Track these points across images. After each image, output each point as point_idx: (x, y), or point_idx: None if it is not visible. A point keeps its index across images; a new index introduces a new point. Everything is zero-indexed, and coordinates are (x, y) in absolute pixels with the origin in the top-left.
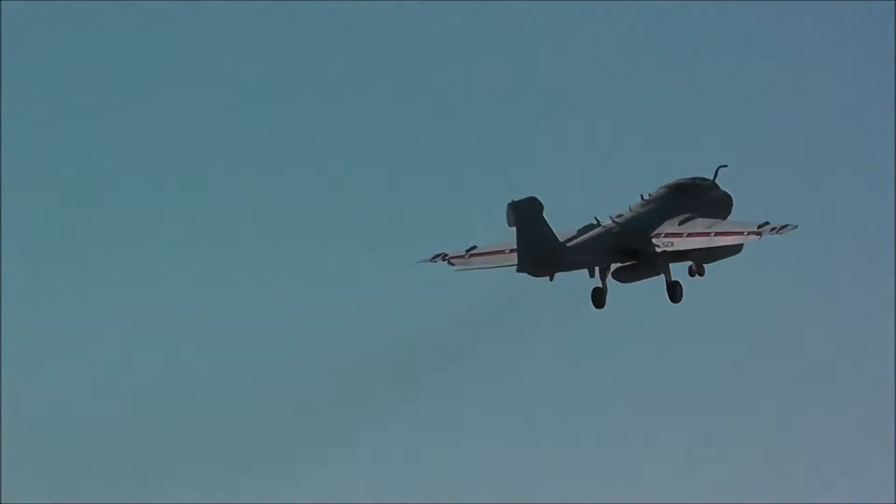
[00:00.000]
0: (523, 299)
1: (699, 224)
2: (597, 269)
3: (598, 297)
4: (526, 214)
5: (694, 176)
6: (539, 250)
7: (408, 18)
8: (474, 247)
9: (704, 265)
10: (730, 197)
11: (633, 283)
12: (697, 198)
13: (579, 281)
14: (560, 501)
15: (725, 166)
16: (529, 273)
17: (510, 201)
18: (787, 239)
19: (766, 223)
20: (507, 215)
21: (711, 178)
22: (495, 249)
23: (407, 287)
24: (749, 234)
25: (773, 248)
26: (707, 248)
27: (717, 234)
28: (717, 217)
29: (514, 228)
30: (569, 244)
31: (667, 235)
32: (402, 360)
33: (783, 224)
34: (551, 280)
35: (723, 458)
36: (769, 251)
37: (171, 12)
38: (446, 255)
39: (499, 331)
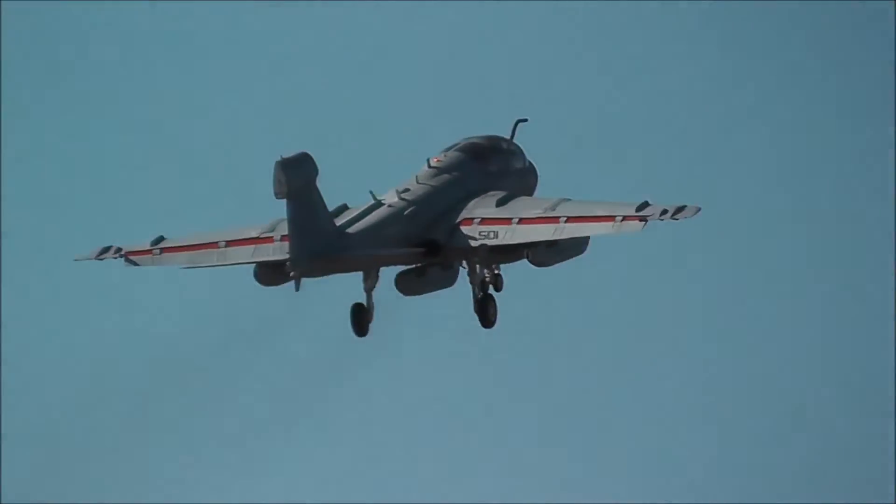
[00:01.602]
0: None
1: (530, 205)
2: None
3: (361, 319)
4: (301, 180)
5: (489, 135)
6: (319, 238)
7: None
8: (161, 238)
9: (501, 276)
10: (535, 169)
11: (422, 296)
12: (499, 166)
13: (314, 292)
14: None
15: (525, 120)
16: (299, 271)
17: (279, 158)
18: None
19: (646, 203)
20: (276, 180)
21: (509, 136)
22: (205, 241)
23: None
24: (626, 219)
25: (644, 241)
26: (548, 244)
27: (569, 219)
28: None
29: (286, 201)
30: (346, 231)
31: (484, 221)
32: None
33: (679, 206)
34: (297, 289)
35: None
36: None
37: None
38: (120, 249)
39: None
